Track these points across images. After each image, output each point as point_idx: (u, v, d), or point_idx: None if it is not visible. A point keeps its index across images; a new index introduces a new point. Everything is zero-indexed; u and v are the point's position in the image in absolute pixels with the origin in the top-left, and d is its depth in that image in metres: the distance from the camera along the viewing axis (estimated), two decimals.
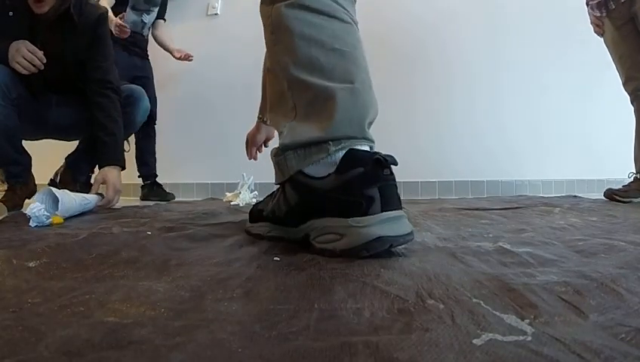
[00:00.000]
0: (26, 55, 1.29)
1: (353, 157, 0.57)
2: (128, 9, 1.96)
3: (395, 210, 0.56)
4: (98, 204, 1.29)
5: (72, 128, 1.56)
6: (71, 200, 1.10)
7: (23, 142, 1.44)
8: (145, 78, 2.08)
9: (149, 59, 2.17)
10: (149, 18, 2.09)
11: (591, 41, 1.76)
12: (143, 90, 1.68)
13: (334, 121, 0.60)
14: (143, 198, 2.13)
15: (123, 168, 1.48)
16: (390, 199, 0.56)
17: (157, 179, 2.14)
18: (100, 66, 1.48)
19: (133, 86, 1.68)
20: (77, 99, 1.50)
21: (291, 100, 0.64)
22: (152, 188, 2.13)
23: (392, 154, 0.58)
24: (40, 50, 1.32)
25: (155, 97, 2.12)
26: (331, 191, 0.57)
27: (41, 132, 1.55)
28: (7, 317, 0.34)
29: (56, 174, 1.60)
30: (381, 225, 0.54)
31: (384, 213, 0.55)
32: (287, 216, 0.66)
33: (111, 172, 1.39)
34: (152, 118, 2.06)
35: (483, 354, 0.26)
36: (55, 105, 1.50)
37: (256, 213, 0.78)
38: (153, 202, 1.88)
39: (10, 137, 1.35)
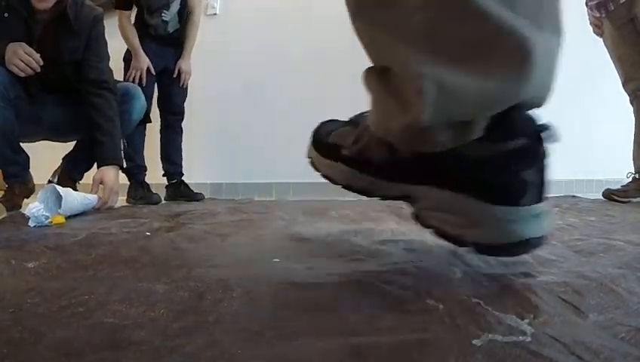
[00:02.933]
0: (23, 57, 1.29)
1: (512, 123, 0.40)
2: (146, 16, 1.81)
3: (543, 201, 0.43)
4: (95, 207, 1.29)
5: (69, 129, 1.56)
6: (74, 199, 1.10)
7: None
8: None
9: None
10: (169, 13, 1.86)
11: (590, 40, 1.76)
12: (139, 89, 1.66)
13: (530, 82, 0.39)
14: (168, 199, 1.95)
15: (121, 167, 1.48)
16: (544, 187, 0.42)
17: (155, 180, 2.10)
18: (95, 67, 1.48)
19: (129, 84, 1.67)
20: (74, 99, 1.50)
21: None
22: (178, 188, 1.97)
23: None
24: (37, 51, 1.32)
25: (186, 91, 1.98)
26: (472, 160, 0.41)
27: (38, 133, 1.55)
28: (6, 318, 0.34)
29: (54, 174, 1.60)
30: (533, 222, 0.41)
31: (537, 205, 0.41)
32: (388, 166, 0.48)
33: (109, 172, 1.39)
34: (179, 113, 1.97)
35: (483, 354, 0.26)
36: (51, 105, 1.50)
37: (330, 146, 0.57)
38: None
39: (8, 138, 1.35)
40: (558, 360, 0.25)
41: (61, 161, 1.61)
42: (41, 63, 1.33)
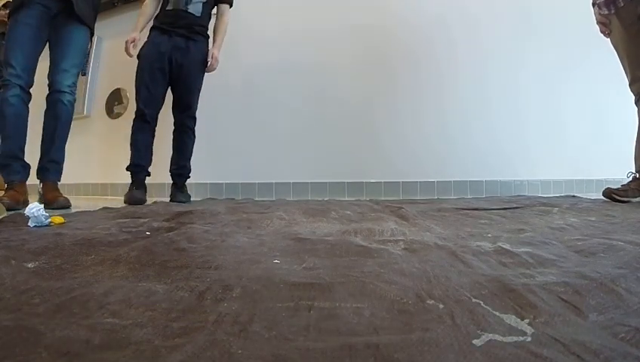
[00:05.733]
0: None
1: None
2: None
3: None
4: None
5: (70, 50, 1.57)
6: None
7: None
8: (188, 62, 1.86)
9: (203, 40, 1.92)
10: None
11: (590, 42, 1.76)
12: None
13: None
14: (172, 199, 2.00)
15: None
16: None
17: (157, 179, 2.06)
18: None
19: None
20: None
21: None
22: (172, 189, 2.01)
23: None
24: None
25: (199, 88, 1.97)
26: None
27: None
28: (6, 318, 0.34)
29: (40, 197, 1.60)
30: None
31: None
32: None
33: None
34: (187, 108, 1.95)
35: (483, 354, 0.26)
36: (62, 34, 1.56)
37: None
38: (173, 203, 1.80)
39: (21, 134, 1.46)
40: (558, 360, 0.25)
41: (38, 182, 1.60)
42: None
